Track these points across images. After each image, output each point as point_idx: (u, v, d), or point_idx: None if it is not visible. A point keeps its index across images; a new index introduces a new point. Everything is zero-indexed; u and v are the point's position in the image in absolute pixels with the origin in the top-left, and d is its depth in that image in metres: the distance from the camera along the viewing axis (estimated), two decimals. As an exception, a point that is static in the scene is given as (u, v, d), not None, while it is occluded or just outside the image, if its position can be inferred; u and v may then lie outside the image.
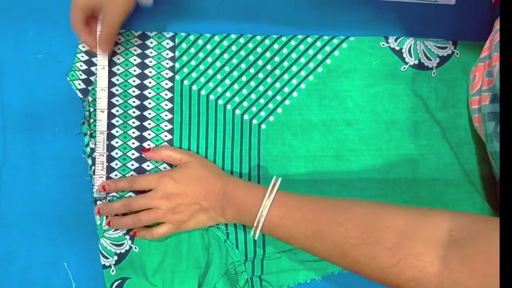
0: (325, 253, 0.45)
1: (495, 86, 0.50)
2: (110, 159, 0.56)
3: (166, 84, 0.57)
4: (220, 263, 0.56)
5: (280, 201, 0.48)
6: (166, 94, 0.58)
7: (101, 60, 0.56)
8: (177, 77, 0.58)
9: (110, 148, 0.56)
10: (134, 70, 0.57)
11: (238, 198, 0.51)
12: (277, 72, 0.58)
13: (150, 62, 0.58)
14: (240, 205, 0.50)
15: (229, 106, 0.58)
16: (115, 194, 0.55)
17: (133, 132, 0.57)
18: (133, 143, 0.57)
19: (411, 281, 0.39)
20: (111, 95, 0.57)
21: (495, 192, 0.58)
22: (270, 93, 0.58)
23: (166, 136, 0.57)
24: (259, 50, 0.58)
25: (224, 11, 0.60)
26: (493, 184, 0.58)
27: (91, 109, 0.56)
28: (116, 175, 0.56)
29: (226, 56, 0.58)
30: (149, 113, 0.57)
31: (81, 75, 0.57)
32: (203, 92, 0.58)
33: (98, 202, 0.55)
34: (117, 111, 0.57)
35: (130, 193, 0.55)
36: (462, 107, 0.59)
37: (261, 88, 0.58)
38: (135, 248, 0.55)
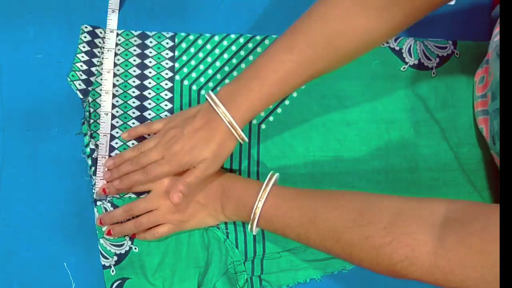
0: (320, 239, 0.45)
1: (492, 82, 0.50)
2: (110, 159, 0.56)
3: (166, 84, 0.57)
4: (219, 263, 0.56)
5: (276, 192, 0.49)
6: (166, 95, 0.58)
7: (107, 64, 0.56)
8: (177, 77, 0.58)
9: (110, 149, 0.56)
10: (134, 71, 0.57)
11: (236, 193, 0.51)
12: (277, 72, 0.58)
13: (150, 62, 0.58)
14: (238, 200, 0.51)
15: (229, 106, 0.58)
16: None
17: (133, 133, 0.57)
18: (133, 144, 0.56)
19: (404, 260, 0.39)
20: (111, 95, 0.57)
21: (495, 192, 0.58)
22: (270, 93, 0.58)
23: (166, 136, 0.57)
24: (259, 50, 0.58)
25: (224, 11, 0.60)
26: (493, 184, 0.58)
27: (91, 110, 0.56)
28: (116, 175, 0.56)
29: (226, 56, 0.58)
30: (149, 114, 0.57)
31: (81, 75, 0.57)
32: (202, 92, 0.58)
33: (98, 202, 0.55)
34: (117, 112, 0.57)
35: (130, 194, 0.55)
36: (461, 107, 0.59)
37: (261, 88, 0.58)
38: (135, 248, 0.55)
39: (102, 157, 0.55)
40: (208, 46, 0.59)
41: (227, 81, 0.58)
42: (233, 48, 0.59)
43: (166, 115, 0.57)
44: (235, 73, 0.58)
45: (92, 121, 0.56)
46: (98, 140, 0.56)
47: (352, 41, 0.46)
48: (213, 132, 0.49)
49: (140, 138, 0.56)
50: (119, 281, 0.55)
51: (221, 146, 0.49)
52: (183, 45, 0.58)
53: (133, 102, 0.57)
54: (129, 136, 0.56)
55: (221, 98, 0.49)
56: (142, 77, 0.57)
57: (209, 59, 0.58)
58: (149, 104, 0.57)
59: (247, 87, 0.48)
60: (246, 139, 0.51)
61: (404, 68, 0.59)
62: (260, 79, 0.48)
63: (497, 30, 0.52)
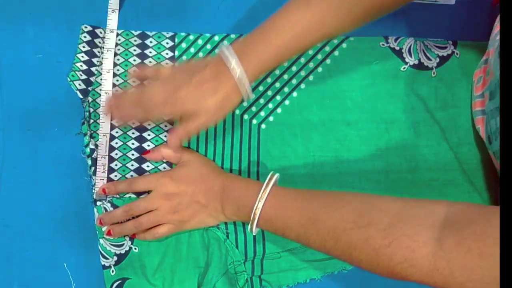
0: (319, 239, 0.45)
1: (491, 81, 0.50)
2: (110, 160, 0.56)
3: (166, 84, 0.57)
4: (219, 263, 0.56)
5: (276, 192, 0.49)
6: (165, 94, 0.57)
7: (107, 64, 0.56)
8: (177, 77, 0.58)
9: (110, 149, 0.56)
10: (134, 71, 0.57)
11: (236, 193, 0.51)
12: (277, 72, 0.58)
13: (150, 62, 0.58)
14: (238, 200, 0.50)
15: (228, 106, 0.58)
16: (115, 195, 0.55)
17: (133, 133, 0.57)
18: (133, 144, 0.56)
19: (403, 262, 0.39)
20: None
21: (495, 192, 0.58)
22: (269, 93, 0.58)
23: (166, 136, 0.57)
24: (258, 50, 0.58)
25: (224, 11, 0.59)
26: (492, 184, 0.58)
27: (91, 110, 0.56)
28: (116, 176, 0.56)
29: (226, 56, 0.58)
30: (149, 113, 0.57)
31: (81, 75, 0.57)
32: (202, 92, 0.58)
33: (98, 202, 0.55)
34: (117, 111, 0.57)
35: (130, 194, 0.55)
36: (462, 107, 0.59)
37: (260, 88, 0.58)
38: (135, 248, 0.55)
39: (102, 157, 0.55)
40: (208, 46, 0.58)
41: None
42: (233, 48, 0.59)
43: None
44: (235, 73, 0.58)
45: (92, 121, 0.56)
46: (98, 140, 0.56)
47: (364, 4, 0.47)
48: (220, 85, 0.49)
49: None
50: (119, 281, 0.55)
51: (225, 100, 0.50)
52: (183, 45, 0.58)
53: (133, 102, 0.57)
54: (137, 77, 0.56)
55: (234, 53, 0.49)
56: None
57: (209, 59, 0.58)
58: (149, 104, 0.57)
59: (259, 43, 0.49)
60: (253, 96, 0.52)
61: (404, 68, 0.59)
62: (274, 36, 0.48)
63: (497, 29, 0.52)
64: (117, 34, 0.58)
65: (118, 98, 0.53)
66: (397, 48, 0.59)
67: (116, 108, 0.53)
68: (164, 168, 0.56)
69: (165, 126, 0.57)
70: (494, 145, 0.51)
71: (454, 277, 0.36)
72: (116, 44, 0.57)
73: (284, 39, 0.48)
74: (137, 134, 0.57)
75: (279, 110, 0.58)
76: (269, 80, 0.58)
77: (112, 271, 0.55)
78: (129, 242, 0.55)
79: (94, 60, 0.57)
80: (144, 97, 0.51)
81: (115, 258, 0.55)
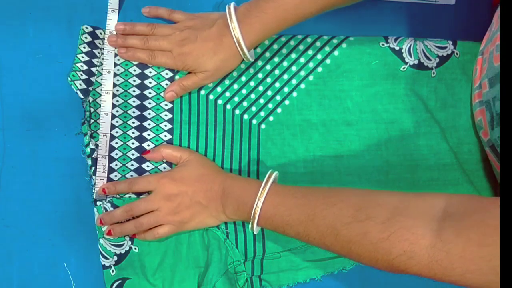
0: (319, 236, 0.45)
1: (490, 68, 0.50)
2: (110, 159, 0.56)
3: (166, 84, 0.57)
4: (219, 263, 0.56)
5: (275, 190, 0.49)
6: (165, 94, 0.58)
7: (107, 65, 0.56)
8: (177, 77, 0.58)
9: (110, 149, 0.56)
10: (134, 70, 0.57)
11: (236, 193, 0.51)
12: (277, 72, 0.59)
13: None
14: (238, 199, 0.50)
15: (228, 106, 0.58)
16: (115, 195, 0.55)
17: (133, 133, 0.57)
18: (133, 143, 0.57)
19: (402, 255, 0.39)
20: (112, 95, 0.57)
21: (495, 191, 0.58)
22: (269, 93, 0.58)
23: (165, 136, 0.57)
24: (258, 50, 0.58)
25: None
26: (492, 184, 0.58)
27: (92, 110, 0.56)
28: (116, 175, 0.56)
29: (225, 56, 0.58)
30: (149, 113, 0.57)
31: (81, 75, 0.57)
32: (202, 92, 0.58)
33: (98, 202, 0.55)
34: (117, 111, 0.57)
35: (130, 194, 0.55)
36: (461, 107, 0.59)
37: (260, 88, 0.58)
38: (135, 248, 0.55)
39: (102, 157, 0.55)
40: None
41: (227, 81, 0.58)
42: (233, 48, 0.59)
43: (166, 115, 0.57)
44: (234, 73, 0.58)
45: (92, 121, 0.56)
46: (98, 140, 0.56)
47: None
48: (221, 47, 0.52)
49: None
50: (119, 281, 0.55)
51: (224, 62, 0.54)
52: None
53: (133, 101, 0.57)
54: (149, 13, 0.58)
55: (238, 15, 0.51)
56: (142, 76, 0.57)
57: (209, 59, 0.58)
58: (149, 103, 0.57)
59: (262, 9, 0.51)
60: (251, 59, 0.55)
61: (404, 68, 0.59)
62: (276, 3, 0.50)
63: (495, 26, 0.52)
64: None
65: (127, 25, 0.56)
66: (397, 48, 0.59)
67: (122, 36, 0.56)
68: (164, 168, 0.56)
69: (165, 126, 0.57)
70: (496, 131, 0.50)
71: (453, 268, 0.36)
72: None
73: (285, 7, 0.50)
74: (137, 134, 0.57)
75: (279, 110, 0.58)
76: (269, 80, 0.58)
77: (112, 271, 0.55)
78: (129, 242, 0.55)
79: (95, 60, 0.57)
80: (151, 38, 0.55)
81: (115, 258, 0.55)
